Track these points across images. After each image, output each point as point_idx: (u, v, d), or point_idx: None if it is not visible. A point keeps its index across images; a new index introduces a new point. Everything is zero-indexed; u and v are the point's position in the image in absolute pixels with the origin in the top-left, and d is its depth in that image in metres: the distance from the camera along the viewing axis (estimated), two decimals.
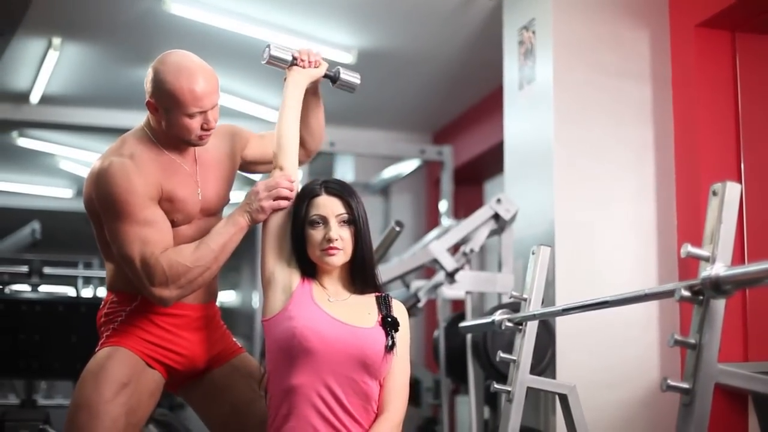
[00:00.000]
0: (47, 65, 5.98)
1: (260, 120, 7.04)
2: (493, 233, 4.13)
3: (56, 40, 5.62)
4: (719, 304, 1.97)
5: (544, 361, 3.80)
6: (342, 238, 2.45)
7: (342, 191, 2.50)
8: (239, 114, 6.88)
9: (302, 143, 2.80)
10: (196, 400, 2.80)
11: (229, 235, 2.56)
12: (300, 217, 2.49)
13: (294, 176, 2.62)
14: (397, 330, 2.43)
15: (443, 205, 6.47)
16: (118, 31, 5.63)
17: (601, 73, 4.13)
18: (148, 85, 2.58)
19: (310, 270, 2.50)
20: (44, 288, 6.15)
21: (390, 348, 2.39)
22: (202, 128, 2.58)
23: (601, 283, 3.93)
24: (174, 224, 2.60)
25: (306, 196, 2.51)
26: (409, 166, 6.76)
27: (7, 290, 6.01)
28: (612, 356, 3.95)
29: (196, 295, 2.66)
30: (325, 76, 2.84)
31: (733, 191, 2.01)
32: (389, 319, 2.43)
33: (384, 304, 2.49)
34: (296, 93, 2.74)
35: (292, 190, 2.55)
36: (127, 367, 2.56)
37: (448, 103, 6.87)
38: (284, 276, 2.49)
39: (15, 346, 4.98)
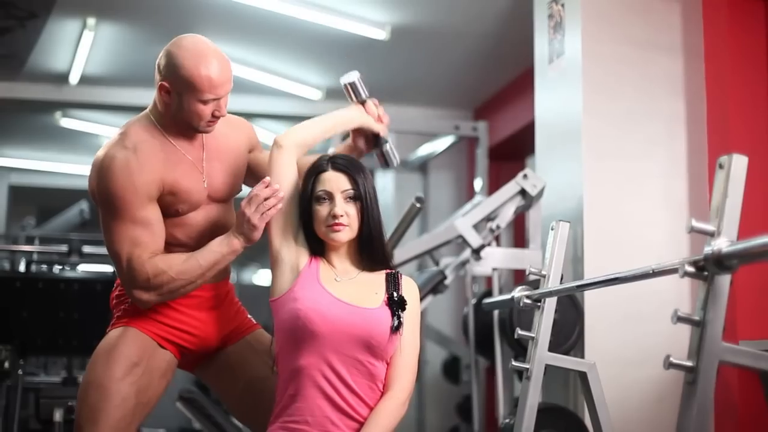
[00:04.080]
0: (83, 46, 6.00)
1: (292, 96, 7.02)
2: (521, 209, 4.09)
3: (91, 20, 5.65)
4: (724, 280, 1.93)
5: (572, 338, 3.75)
6: (348, 214, 2.43)
7: (348, 167, 2.47)
8: (272, 90, 6.88)
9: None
10: (211, 377, 2.82)
11: (221, 255, 2.55)
12: (307, 193, 2.48)
13: (291, 158, 2.57)
14: (404, 309, 2.41)
15: (478, 182, 6.40)
16: (151, 10, 5.64)
17: (631, 46, 4.04)
18: (162, 68, 2.55)
19: (318, 247, 2.49)
20: (86, 267, 6.25)
21: (396, 328, 2.37)
22: (212, 115, 2.56)
23: (630, 259, 3.84)
24: (179, 213, 2.61)
25: (313, 172, 2.49)
26: (446, 142, 6.71)
27: (55, 269, 6.11)
28: (642, 334, 3.88)
29: None
30: (375, 135, 2.80)
31: (739, 164, 1.97)
32: (396, 299, 2.41)
33: (393, 282, 2.47)
34: (344, 120, 2.74)
35: (275, 192, 2.49)
36: (137, 347, 2.58)
37: (487, 79, 6.80)
38: (291, 255, 2.48)
39: (55, 324, 5.06)
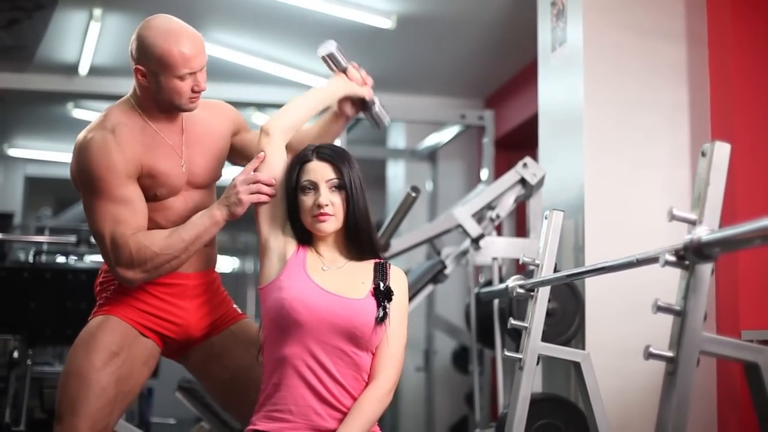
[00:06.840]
0: (91, 37, 6.02)
1: (299, 85, 6.97)
2: (521, 198, 4.06)
3: (97, 11, 5.66)
4: (705, 269, 1.90)
5: (572, 328, 3.72)
6: (333, 203, 2.42)
7: (333, 157, 2.46)
8: (279, 80, 6.88)
9: (298, 145, 2.69)
10: (195, 367, 2.81)
11: (204, 228, 2.56)
12: (291, 183, 2.47)
13: (280, 145, 2.59)
14: (390, 300, 2.39)
15: (484, 172, 6.35)
16: (155, 1, 5.64)
17: (634, 33, 4.00)
18: (134, 53, 2.57)
19: (305, 237, 2.48)
20: (95, 257, 6.27)
21: (381, 319, 2.36)
22: (192, 90, 2.57)
23: (632, 249, 3.77)
24: (158, 198, 2.61)
25: (298, 162, 2.48)
26: (454, 131, 6.67)
27: (70, 260, 6.13)
28: (644, 324, 3.81)
29: (192, 264, 2.67)
30: (363, 100, 2.81)
31: (721, 151, 1.94)
32: (382, 289, 2.40)
33: (380, 272, 2.45)
34: (328, 94, 2.74)
35: (271, 185, 2.52)
36: (117, 336, 2.58)
37: (497, 68, 6.76)
38: (279, 244, 2.47)
39: (63, 314, 5.08)
